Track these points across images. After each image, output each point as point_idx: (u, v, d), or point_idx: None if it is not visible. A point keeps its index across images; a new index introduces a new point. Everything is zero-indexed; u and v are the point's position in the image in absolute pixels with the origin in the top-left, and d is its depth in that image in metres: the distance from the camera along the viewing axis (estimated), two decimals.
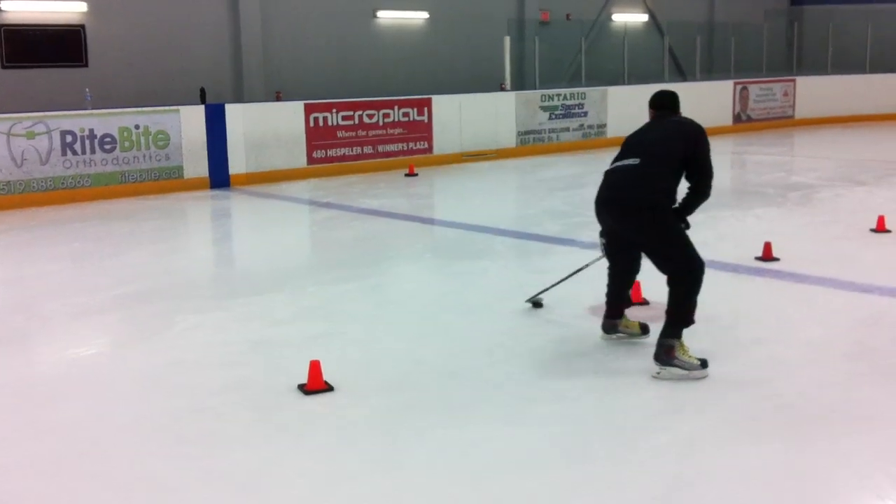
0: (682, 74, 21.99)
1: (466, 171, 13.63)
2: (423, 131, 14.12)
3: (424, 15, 18.81)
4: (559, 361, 5.11)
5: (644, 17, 22.76)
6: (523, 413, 4.38)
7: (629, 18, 22.29)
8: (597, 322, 5.46)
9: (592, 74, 18.43)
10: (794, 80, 20.65)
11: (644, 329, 5.32)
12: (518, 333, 5.62)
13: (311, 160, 13.01)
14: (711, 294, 5.92)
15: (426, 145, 14.16)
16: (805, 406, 4.40)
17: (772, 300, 6.26)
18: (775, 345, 5.30)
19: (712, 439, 4.01)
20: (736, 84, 19.41)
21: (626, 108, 17.10)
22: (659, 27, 22.54)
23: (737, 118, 19.37)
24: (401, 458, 3.92)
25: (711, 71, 22.15)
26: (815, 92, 20.28)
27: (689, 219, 5.03)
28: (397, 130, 13.85)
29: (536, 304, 6.10)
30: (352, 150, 13.38)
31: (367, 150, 13.52)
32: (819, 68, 22.04)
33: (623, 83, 18.40)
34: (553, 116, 15.96)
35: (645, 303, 5.99)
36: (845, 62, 21.90)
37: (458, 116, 14.54)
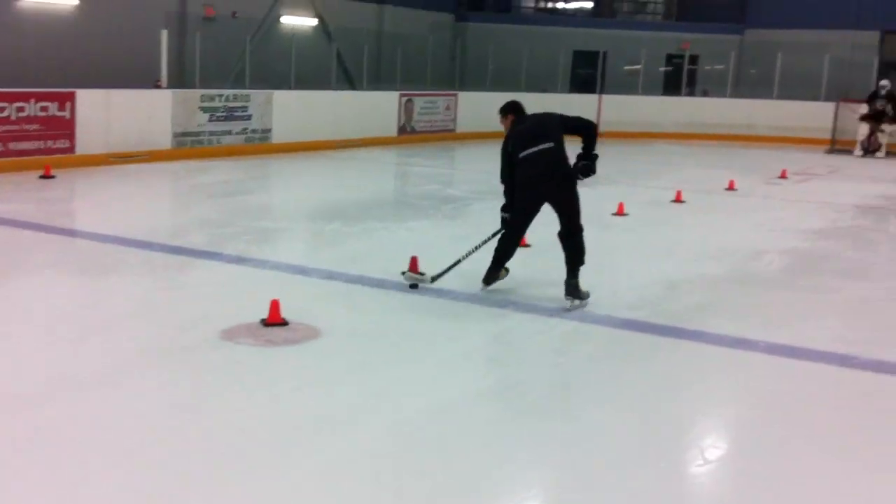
0: (351, 82, 22.09)
1: (113, 174, 12.51)
2: (64, 128, 12.77)
3: (73, 0, 17.24)
4: (192, 379, 4.60)
5: (313, 22, 22.61)
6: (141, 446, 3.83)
7: (298, 21, 22.02)
8: (230, 344, 4.98)
9: (258, 76, 17.82)
10: (456, 95, 21.45)
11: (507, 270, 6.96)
12: (150, 355, 5.09)
13: None
14: (356, 309, 5.74)
15: (67, 144, 12.83)
16: None
17: (414, 315, 6.22)
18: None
19: None
20: (402, 96, 19.73)
21: (291, 114, 16.76)
22: (328, 32, 22.50)
23: (402, 129, 19.67)
24: None
25: (379, 80, 22.49)
26: (475, 107, 20.84)
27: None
28: (33, 126, 12.42)
29: (414, 286, 6.75)
30: None
31: None
32: (479, 84, 23.14)
33: (290, 87, 18.04)
34: (214, 118, 15.20)
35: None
36: (504, 80, 23.18)
37: (105, 113, 13.36)
